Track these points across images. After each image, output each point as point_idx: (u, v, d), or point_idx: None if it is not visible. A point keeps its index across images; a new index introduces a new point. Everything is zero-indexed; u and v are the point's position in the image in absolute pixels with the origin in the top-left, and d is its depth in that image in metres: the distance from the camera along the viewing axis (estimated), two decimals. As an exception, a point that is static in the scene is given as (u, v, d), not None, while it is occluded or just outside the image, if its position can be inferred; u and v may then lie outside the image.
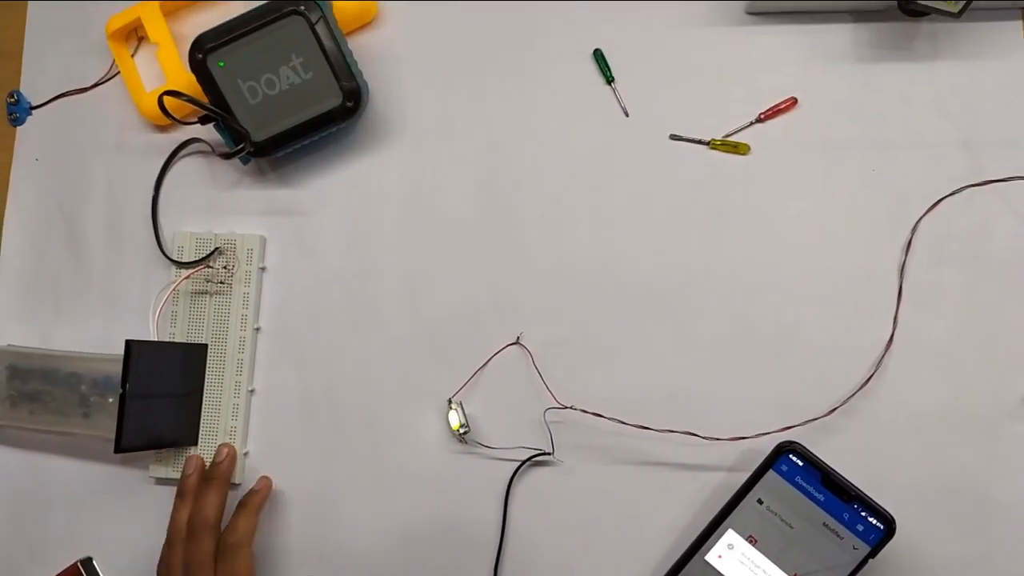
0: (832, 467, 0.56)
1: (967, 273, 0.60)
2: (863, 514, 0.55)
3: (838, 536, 0.55)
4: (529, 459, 0.62)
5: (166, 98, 0.60)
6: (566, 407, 0.61)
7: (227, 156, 0.64)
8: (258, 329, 0.66)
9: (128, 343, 0.59)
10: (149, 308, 0.64)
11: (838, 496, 0.55)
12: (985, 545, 0.58)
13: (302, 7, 0.61)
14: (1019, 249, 0.60)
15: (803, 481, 0.56)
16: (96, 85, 0.71)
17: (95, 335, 0.68)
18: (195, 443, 0.64)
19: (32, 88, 0.72)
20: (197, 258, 0.66)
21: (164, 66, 0.67)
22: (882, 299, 0.60)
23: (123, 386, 0.58)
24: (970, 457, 0.58)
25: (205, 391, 0.65)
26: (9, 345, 0.68)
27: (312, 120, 0.63)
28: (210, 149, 0.68)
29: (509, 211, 0.65)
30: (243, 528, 0.59)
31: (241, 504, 0.61)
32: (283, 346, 0.66)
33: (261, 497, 0.62)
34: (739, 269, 0.62)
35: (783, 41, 0.64)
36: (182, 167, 0.69)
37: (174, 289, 0.66)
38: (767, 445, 0.58)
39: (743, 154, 0.63)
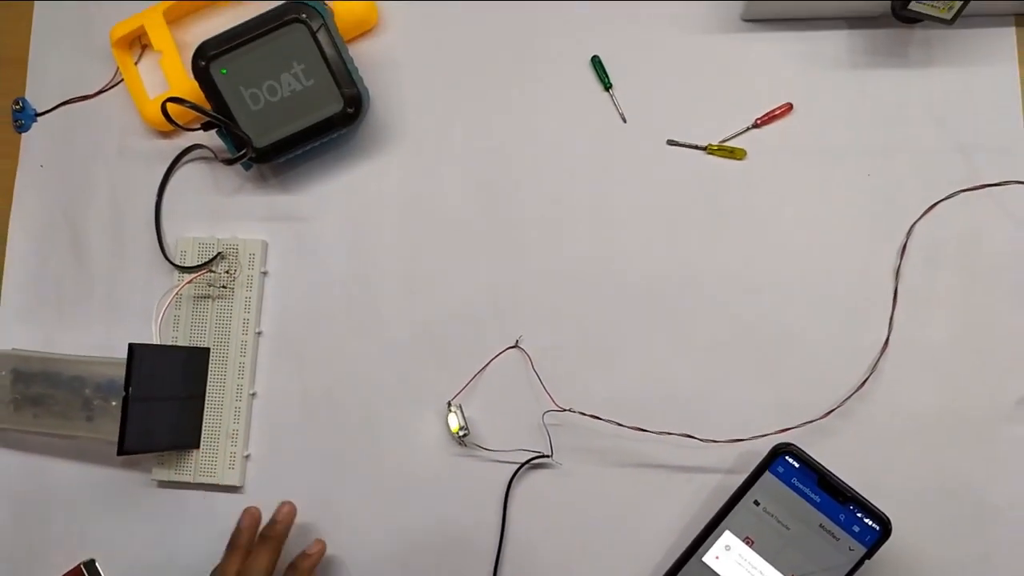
0: (828, 469, 0.56)
1: (962, 276, 0.61)
2: (859, 516, 0.55)
3: (834, 537, 0.55)
4: (528, 461, 0.62)
5: (169, 105, 0.61)
6: (564, 409, 0.61)
7: (229, 162, 0.65)
8: (260, 333, 0.67)
9: (131, 346, 0.59)
10: (152, 312, 0.65)
11: (834, 498, 0.56)
12: (981, 547, 0.58)
13: (303, 15, 0.62)
14: (1013, 252, 0.60)
15: (799, 483, 0.56)
16: (100, 92, 0.72)
17: (98, 339, 0.69)
18: (197, 446, 0.65)
19: (37, 95, 0.73)
20: (200, 263, 0.66)
21: (167, 73, 0.68)
22: (878, 302, 0.61)
23: (126, 389, 0.59)
24: (966, 459, 0.59)
25: (207, 394, 0.65)
26: (13, 349, 0.68)
27: (313, 126, 0.63)
28: (212, 155, 0.69)
29: (508, 216, 0.66)
30: None
31: (292, 567, 0.60)
32: (284, 350, 0.67)
33: (312, 563, 0.60)
34: (736, 272, 0.63)
35: (779, 47, 0.64)
36: (185, 173, 0.70)
37: (177, 293, 0.66)
38: (764, 447, 0.58)
39: (739, 159, 0.64)
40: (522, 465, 0.62)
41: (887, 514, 0.55)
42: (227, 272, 0.66)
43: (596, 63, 0.66)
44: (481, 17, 0.68)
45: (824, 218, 0.62)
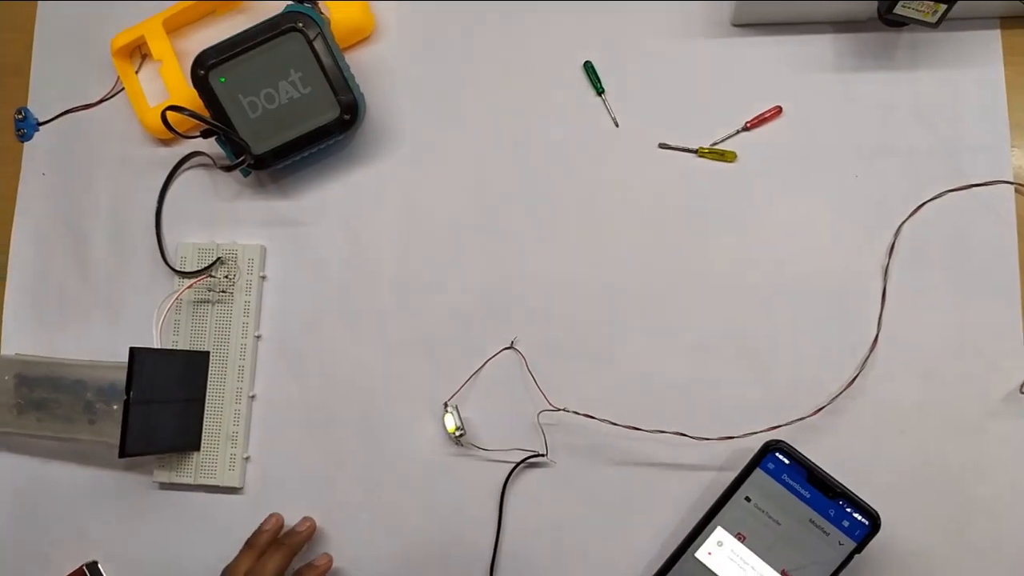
0: (818, 465, 0.57)
1: (949, 275, 0.61)
2: (848, 510, 0.56)
3: (824, 532, 0.56)
4: (523, 461, 0.63)
5: (169, 113, 0.62)
6: (559, 409, 0.62)
7: (228, 169, 0.66)
8: (259, 336, 0.68)
9: (132, 350, 0.60)
10: (153, 317, 0.66)
11: (824, 493, 0.56)
12: (969, 540, 0.59)
13: (300, 24, 0.63)
14: (999, 251, 0.61)
15: (790, 479, 0.57)
16: (101, 101, 0.73)
17: (100, 344, 0.70)
18: (197, 448, 0.66)
19: (39, 105, 0.74)
20: (199, 268, 0.67)
21: (167, 82, 0.69)
22: (866, 301, 0.62)
23: (127, 392, 0.60)
24: (953, 454, 0.59)
25: (207, 397, 0.66)
26: (16, 354, 0.69)
27: (310, 133, 0.64)
28: (212, 162, 0.70)
29: (503, 219, 0.67)
30: None
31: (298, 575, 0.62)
32: (283, 353, 0.68)
33: (317, 574, 0.62)
34: (727, 273, 0.63)
35: (768, 52, 0.65)
36: (185, 180, 0.71)
37: (177, 298, 0.67)
38: (755, 444, 0.59)
39: (730, 162, 0.65)
40: (518, 464, 0.63)
41: (876, 509, 0.56)
42: (226, 277, 0.68)
43: (588, 68, 0.67)
44: (475, 25, 0.69)
45: (813, 219, 0.63)
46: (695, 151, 0.65)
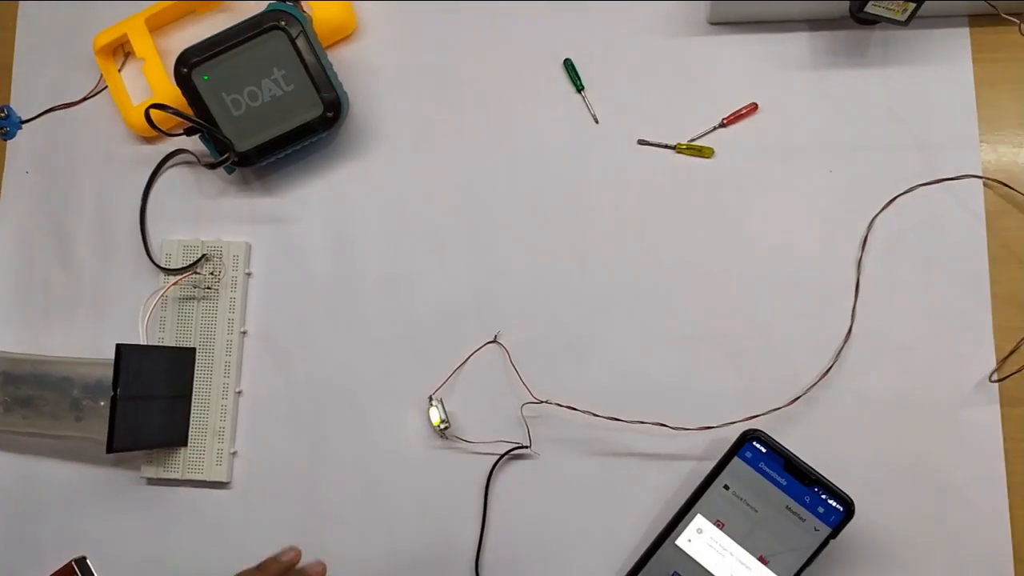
0: (794, 453, 0.58)
1: (921, 267, 0.63)
2: (824, 497, 0.57)
3: (800, 519, 0.57)
4: (507, 452, 0.64)
5: (152, 111, 0.63)
6: (542, 401, 0.64)
7: (212, 166, 0.67)
8: (244, 332, 0.69)
9: (119, 347, 0.61)
10: (139, 314, 0.66)
11: (800, 480, 0.58)
12: (941, 525, 0.60)
13: (283, 22, 0.63)
14: (969, 243, 0.63)
15: (766, 467, 0.59)
16: (84, 99, 0.73)
17: (86, 341, 0.70)
18: (184, 443, 0.66)
19: (22, 103, 0.74)
20: (185, 265, 0.68)
21: (150, 80, 0.70)
22: (840, 293, 0.63)
23: (114, 388, 0.60)
24: (926, 442, 0.61)
25: (194, 393, 0.67)
26: (2, 352, 0.69)
27: (294, 130, 0.65)
28: (196, 160, 0.71)
29: (486, 215, 0.68)
30: None
31: None
32: (269, 348, 0.68)
33: None
34: (705, 267, 0.65)
35: (743, 50, 0.67)
36: (169, 177, 0.72)
37: (162, 295, 0.68)
38: (733, 434, 0.60)
39: (707, 157, 0.66)
40: (502, 456, 0.64)
41: (851, 495, 0.57)
42: (212, 274, 0.68)
43: (569, 66, 0.68)
44: (456, 24, 0.70)
45: (788, 213, 0.65)
46: (673, 147, 0.66)
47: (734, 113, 0.66)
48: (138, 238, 0.70)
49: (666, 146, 0.66)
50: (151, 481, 0.68)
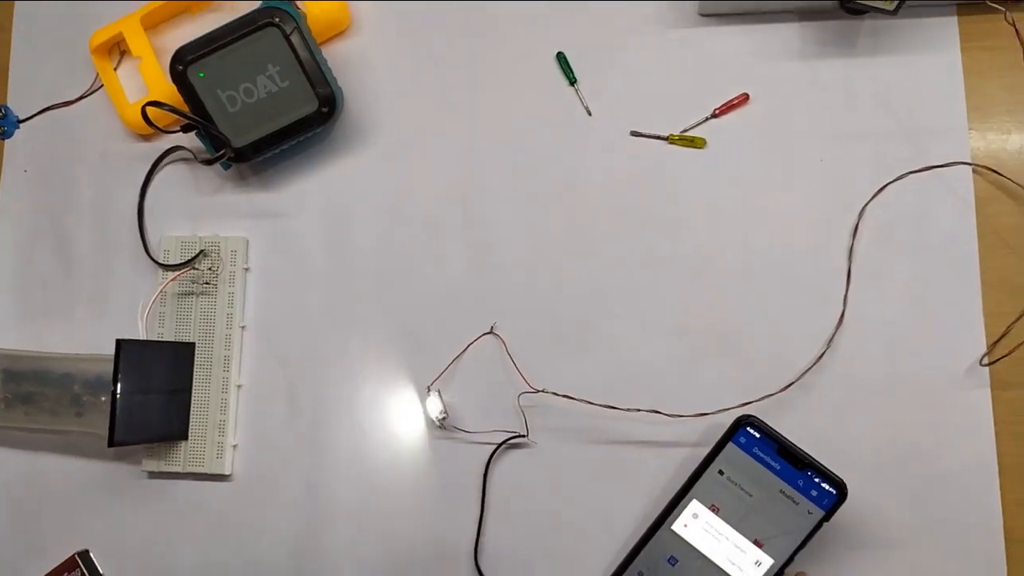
0: (787, 438, 0.59)
1: (911, 254, 0.64)
2: (816, 481, 0.58)
3: (794, 502, 0.58)
4: (505, 442, 0.65)
5: (149, 108, 0.63)
6: (538, 391, 0.64)
7: (209, 162, 0.67)
8: (243, 327, 0.69)
9: (119, 342, 0.61)
10: (138, 310, 0.67)
11: (793, 465, 0.59)
12: (933, 508, 0.61)
13: (277, 19, 0.64)
14: (959, 229, 0.63)
15: (760, 452, 0.59)
16: (81, 98, 0.74)
17: (86, 338, 0.71)
18: (185, 437, 0.67)
19: (19, 102, 0.75)
20: (183, 261, 0.69)
21: (146, 78, 0.70)
22: (832, 281, 0.64)
23: (114, 383, 0.61)
24: (917, 426, 0.62)
25: (194, 387, 0.68)
26: (2, 349, 0.70)
27: (290, 126, 0.66)
28: (192, 156, 0.71)
29: (480, 207, 0.68)
30: None
31: None
32: (267, 342, 0.69)
33: None
34: (698, 256, 0.65)
35: (734, 41, 0.67)
36: (166, 174, 0.72)
37: (161, 291, 0.68)
38: (727, 420, 0.61)
39: (700, 148, 0.67)
40: (499, 445, 0.65)
41: (843, 478, 0.58)
42: (210, 269, 0.69)
43: (561, 59, 0.69)
44: (450, 19, 0.70)
45: (780, 202, 0.65)
46: (666, 138, 0.67)
47: (726, 104, 0.67)
48: (136, 235, 0.71)
49: (659, 137, 0.67)
50: (152, 475, 0.69)
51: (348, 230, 0.69)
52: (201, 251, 0.69)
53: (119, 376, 0.61)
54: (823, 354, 0.63)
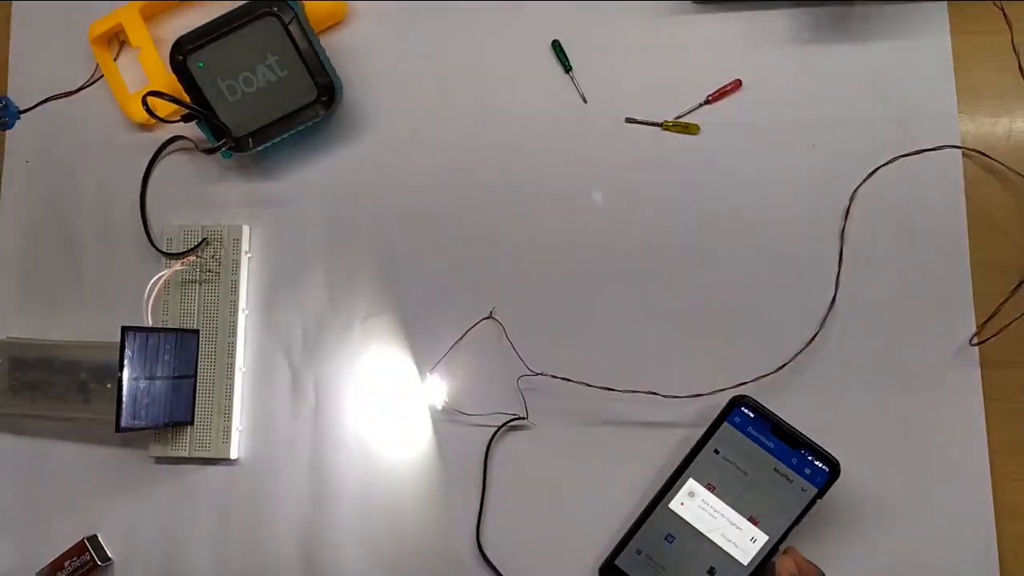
0: (781, 417, 0.61)
1: (902, 236, 0.65)
2: (810, 459, 0.60)
3: (788, 480, 0.59)
4: (505, 424, 0.66)
5: (149, 98, 0.64)
6: (537, 374, 0.65)
7: (210, 151, 0.68)
8: (246, 313, 0.70)
9: (124, 328, 0.62)
10: (142, 299, 0.68)
11: (787, 443, 0.60)
12: (924, 485, 0.62)
13: (275, 8, 0.64)
14: (948, 211, 0.65)
15: (755, 431, 0.61)
16: (81, 89, 0.74)
17: (91, 326, 0.71)
18: (191, 422, 0.68)
19: (19, 94, 0.75)
20: (186, 249, 0.69)
21: (146, 68, 0.71)
22: (824, 263, 0.65)
23: (120, 369, 0.62)
24: (909, 404, 0.63)
25: (198, 372, 0.69)
26: (9, 337, 0.71)
27: (289, 115, 0.66)
28: (193, 145, 0.72)
29: (479, 194, 0.69)
30: None
31: None
32: (270, 328, 0.70)
33: None
34: (693, 240, 0.67)
35: (727, 27, 0.68)
36: (167, 164, 0.73)
37: (165, 279, 0.69)
38: (722, 400, 0.62)
39: (694, 134, 0.68)
40: (500, 428, 0.66)
41: (836, 456, 0.59)
42: (212, 257, 0.70)
43: (556, 47, 0.69)
44: (446, 8, 0.71)
45: (773, 186, 0.66)
46: (660, 125, 0.68)
47: (719, 90, 0.67)
48: (139, 224, 0.72)
49: (653, 124, 0.68)
50: (159, 460, 0.70)
51: (348, 217, 0.70)
52: (203, 239, 0.70)
53: (125, 363, 0.62)
54: (816, 335, 0.64)
